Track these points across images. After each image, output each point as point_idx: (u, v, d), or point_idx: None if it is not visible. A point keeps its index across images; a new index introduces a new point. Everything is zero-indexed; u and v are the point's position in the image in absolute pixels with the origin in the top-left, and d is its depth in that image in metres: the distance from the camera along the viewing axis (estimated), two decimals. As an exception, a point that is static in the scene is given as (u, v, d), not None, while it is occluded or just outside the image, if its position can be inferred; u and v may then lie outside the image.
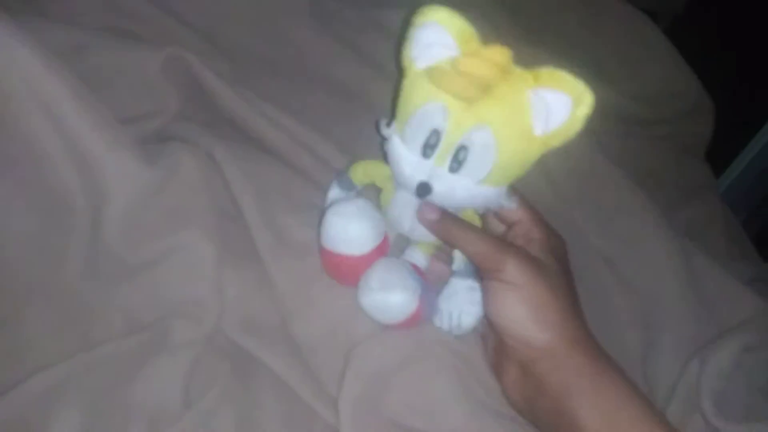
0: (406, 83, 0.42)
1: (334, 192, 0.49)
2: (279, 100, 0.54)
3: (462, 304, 0.45)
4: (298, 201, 0.49)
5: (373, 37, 0.66)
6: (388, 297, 0.42)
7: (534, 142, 0.39)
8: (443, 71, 0.39)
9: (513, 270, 0.40)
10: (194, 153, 0.46)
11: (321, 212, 0.45)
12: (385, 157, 0.45)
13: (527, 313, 0.40)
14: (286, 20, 0.62)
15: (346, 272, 0.44)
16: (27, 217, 0.41)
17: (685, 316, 0.57)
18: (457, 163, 0.40)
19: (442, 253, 0.48)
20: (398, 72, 0.43)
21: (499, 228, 0.47)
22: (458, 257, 0.46)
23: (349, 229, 0.43)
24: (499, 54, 0.37)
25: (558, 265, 0.43)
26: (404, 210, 0.46)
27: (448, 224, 0.43)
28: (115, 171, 0.42)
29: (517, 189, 0.45)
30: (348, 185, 0.49)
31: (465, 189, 0.41)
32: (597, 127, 0.72)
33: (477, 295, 0.44)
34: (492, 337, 0.46)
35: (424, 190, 0.41)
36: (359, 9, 0.67)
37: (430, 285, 0.47)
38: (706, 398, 0.51)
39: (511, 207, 0.43)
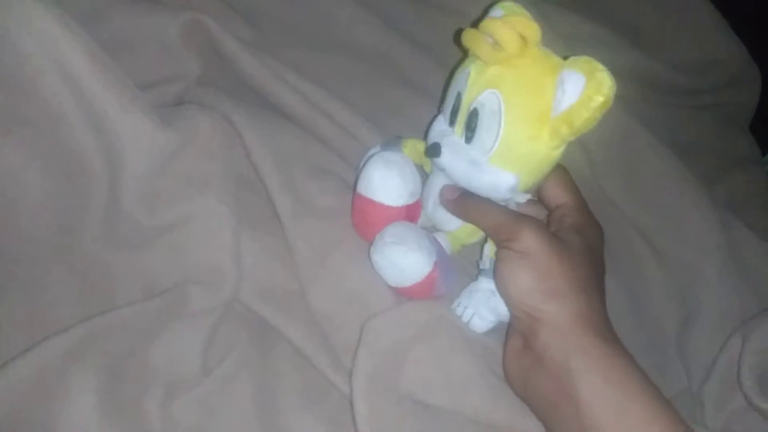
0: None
1: (375, 151, 0.48)
2: (301, 66, 0.53)
3: (478, 306, 0.43)
4: (319, 168, 0.48)
5: (399, 3, 0.64)
6: (402, 253, 0.41)
7: (546, 124, 0.38)
8: (468, 30, 0.40)
9: (525, 239, 0.39)
10: (211, 117, 0.45)
11: (364, 160, 0.45)
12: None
13: (533, 282, 0.38)
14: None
15: (373, 222, 0.43)
16: (44, 181, 0.41)
17: (724, 291, 0.55)
18: (470, 131, 0.40)
19: None
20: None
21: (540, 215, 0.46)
22: (486, 256, 0.44)
23: (388, 175, 0.42)
24: (523, 24, 0.37)
25: (584, 247, 0.41)
26: (430, 191, 0.46)
27: (465, 200, 0.43)
28: (130, 134, 0.41)
29: (563, 170, 0.43)
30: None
31: (473, 164, 0.40)
32: (635, 97, 0.70)
33: (495, 302, 0.43)
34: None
35: (433, 150, 0.41)
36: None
37: (449, 259, 0.45)
38: (748, 376, 0.49)
39: (520, 202, 0.43)
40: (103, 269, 0.43)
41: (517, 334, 0.40)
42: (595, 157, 0.61)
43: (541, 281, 0.38)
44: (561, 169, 0.43)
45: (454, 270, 0.45)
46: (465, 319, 0.44)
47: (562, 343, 0.37)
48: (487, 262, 0.44)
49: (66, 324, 0.39)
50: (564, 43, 0.56)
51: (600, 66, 0.35)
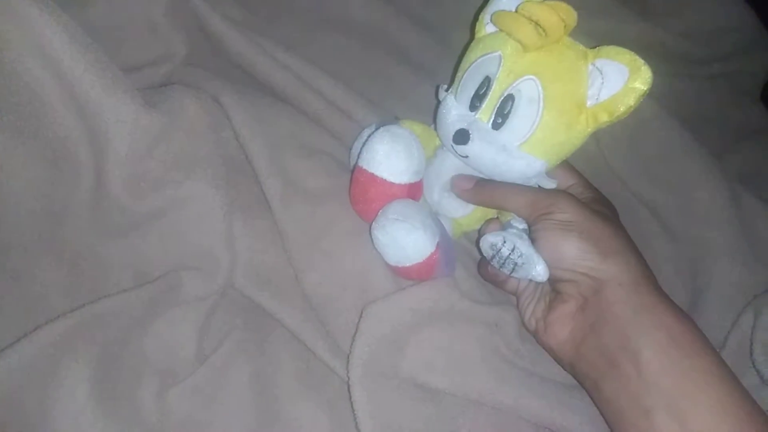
0: (472, 44, 0.42)
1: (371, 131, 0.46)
2: (292, 44, 0.51)
3: (534, 253, 0.40)
4: (310, 148, 0.47)
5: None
6: (405, 231, 0.39)
7: (583, 112, 0.38)
8: (507, 13, 0.39)
9: (566, 208, 0.39)
10: (198, 97, 0.44)
11: (359, 139, 0.44)
12: (433, 122, 0.44)
13: (587, 246, 0.38)
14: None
15: (373, 198, 0.41)
16: (29, 168, 0.40)
17: (735, 265, 0.53)
18: (501, 117, 0.39)
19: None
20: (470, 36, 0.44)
21: None
22: (516, 218, 0.43)
23: (394, 150, 0.40)
24: (564, 9, 0.37)
25: (614, 217, 0.42)
26: (436, 180, 0.44)
27: (485, 186, 0.42)
28: (112, 116, 0.40)
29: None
30: None
31: (503, 150, 0.39)
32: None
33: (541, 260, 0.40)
34: (531, 286, 0.44)
35: (461, 136, 0.40)
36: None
37: (451, 241, 0.44)
38: (761, 352, 0.48)
39: (550, 186, 0.42)
40: (93, 257, 0.42)
41: (573, 297, 0.40)
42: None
43: (594, 243, 0.38)
44: None
45: (454, 251, 0.43)
46: (517, 253, 0.40)
47: (627, 299, 0.37)
48: (519, 221, 0.42)
49: (57, 313, 0.38)
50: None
51: (639, 58, 0.37)
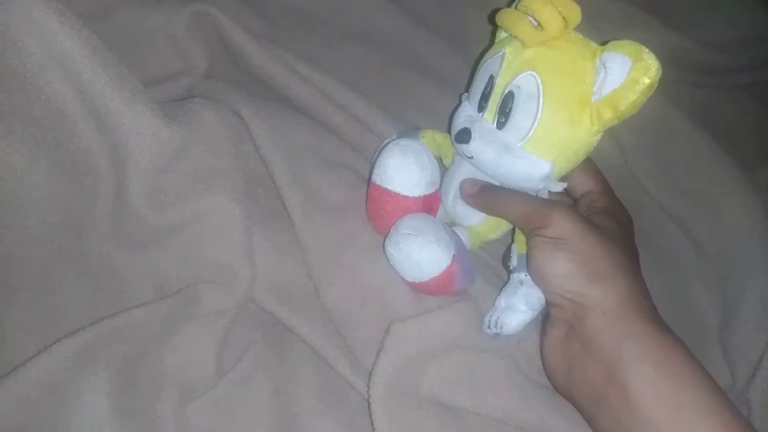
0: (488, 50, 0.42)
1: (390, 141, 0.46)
2: (313, 56, 0.51)
3: (510, 298, 0.40)
4: (331, 161, 0.47)
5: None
6: (418, 245, 0.39)
7: (587, 108, 0.37)
8: (506, 10, 0.38)
9: (559, 223, 0.37)
10: (217, 110, 0.43)
11: (378, 150, 0.43)
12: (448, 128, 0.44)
13: (574, 266, 0.36)
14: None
15: (388, 213, 0.41)
16: (50, 180, 0.40)
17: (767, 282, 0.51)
18: (504, 115, 0.38)
19: None
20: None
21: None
22: (514, 254, 0.42)
23: (405, 163, 0.40)
24: (565, 5, 0.36)
25: (618, 231, 0.39)
26: (450, 185, 0.44)
27: (489, 192, 0.41)
28: (133, 129, 0.40)
29: (590, 159, 0.42)
30: None
31: (506, 150, 0.38)
32: (668, 77, 0.66)
33: (524, 290, 0.40)
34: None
35: (463, 135, 0.39)
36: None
37: (468, 253, 0.43)
38: (798, 374, 0.46)
39: (557, 189, 0.40)
40: (114, 270, 0.42)
41: (560, 322, 0.38)
42: (625, 142, 0.59)
43: (583, 264, 0.36)
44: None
45: (474, 265, 0.42)
46: (493, 318, 0.41)
47: (611, 329, 0.35)
48: (515, 260, 0.42)
49: (77, 326, 0.38)
50: (591, 25, 0.53)
51: (645, 49, 0.34)
